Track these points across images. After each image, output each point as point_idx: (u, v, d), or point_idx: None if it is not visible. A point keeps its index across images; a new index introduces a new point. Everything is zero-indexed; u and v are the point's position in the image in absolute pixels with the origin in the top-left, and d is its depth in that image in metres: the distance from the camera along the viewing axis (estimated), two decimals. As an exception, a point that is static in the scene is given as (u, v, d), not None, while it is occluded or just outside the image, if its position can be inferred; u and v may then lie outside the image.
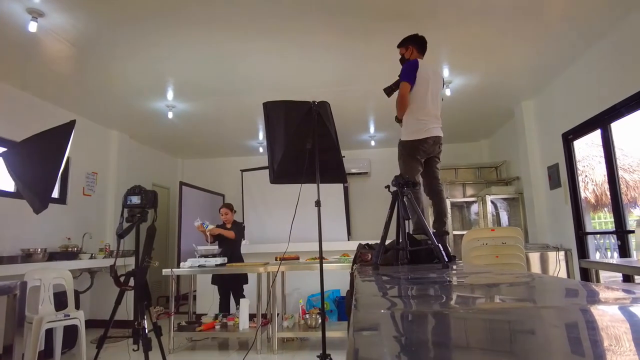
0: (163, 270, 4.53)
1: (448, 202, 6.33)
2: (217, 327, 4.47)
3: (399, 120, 2.87)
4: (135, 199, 2.72)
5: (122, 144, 6.37)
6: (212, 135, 6.82)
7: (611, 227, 4.17)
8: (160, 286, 6.99)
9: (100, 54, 3.84)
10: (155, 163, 7.55)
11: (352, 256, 2.80)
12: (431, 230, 2.21)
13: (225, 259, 4.71)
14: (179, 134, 6.56)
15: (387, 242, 2.07)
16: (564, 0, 3.23)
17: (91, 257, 4.99)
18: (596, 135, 4.21)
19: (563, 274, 4.60)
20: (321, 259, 2.62)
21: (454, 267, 1.94)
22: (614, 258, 4.08)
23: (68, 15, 3.18)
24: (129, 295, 2.72)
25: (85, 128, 5.62)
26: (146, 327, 2.62)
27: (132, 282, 2.69)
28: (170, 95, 4.93)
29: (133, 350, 2.63)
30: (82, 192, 5.60)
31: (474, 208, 6.60)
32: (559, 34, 3.71)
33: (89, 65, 4.05)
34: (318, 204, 2.56)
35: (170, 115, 5.40)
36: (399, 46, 3.02)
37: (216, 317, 4.66)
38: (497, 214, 6.16)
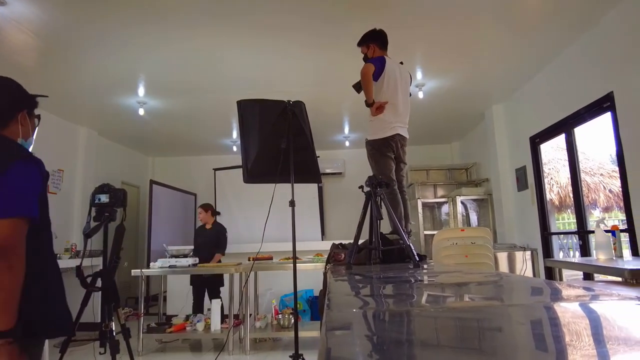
0: (132, 270, 4.41)
1: (419, 203, 6.45)
2: (188, 328, 4.39)
3: (369, 104, 2.75)
4: (104, 198, 2.63)
5: (90, 140, 6.16)
6: (184, 133, 6.69)
7: (574, 227, 4.35)
8: (129, 287, 6.80)
9: (67, 47, 3.69)
10: (125, 160, 7.34)
11: (326, 256, 2.81)
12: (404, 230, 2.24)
13: (197, 259, 4.63)
14: (150, 131, 6.40)
15: (360, 241, 2.08)
16: (534, 8, 3.35)
17: (56, 258, 4.80)
18: (561, 140, 4.39)
19: (529, 272, 4.76)
20: (295, 258, 2.61)
21: (425, 266, 1.98)
22: (576, 257, 4.25)
23: (32, 5, 3.05)
24: (96, 297, 2.64)
25: (51, 123, 5.40)
26: (114, 329, 2.54)
27: (99, 283, 2.61)
28: (141, 91, 4.80)
29: (100, 353, 2.54)
30: (47, 190, 5.37)
31: (445, 208, 6.74)
32: (528, 40, 3.84)
33: (55, 58, 3.89)
34: (292, 203, 2.56)
35: (141, 111, 5.26)
36: (359, 45, 2.96)
37: (187, 318, 4.57)
38: (467, 215, 6.31)
